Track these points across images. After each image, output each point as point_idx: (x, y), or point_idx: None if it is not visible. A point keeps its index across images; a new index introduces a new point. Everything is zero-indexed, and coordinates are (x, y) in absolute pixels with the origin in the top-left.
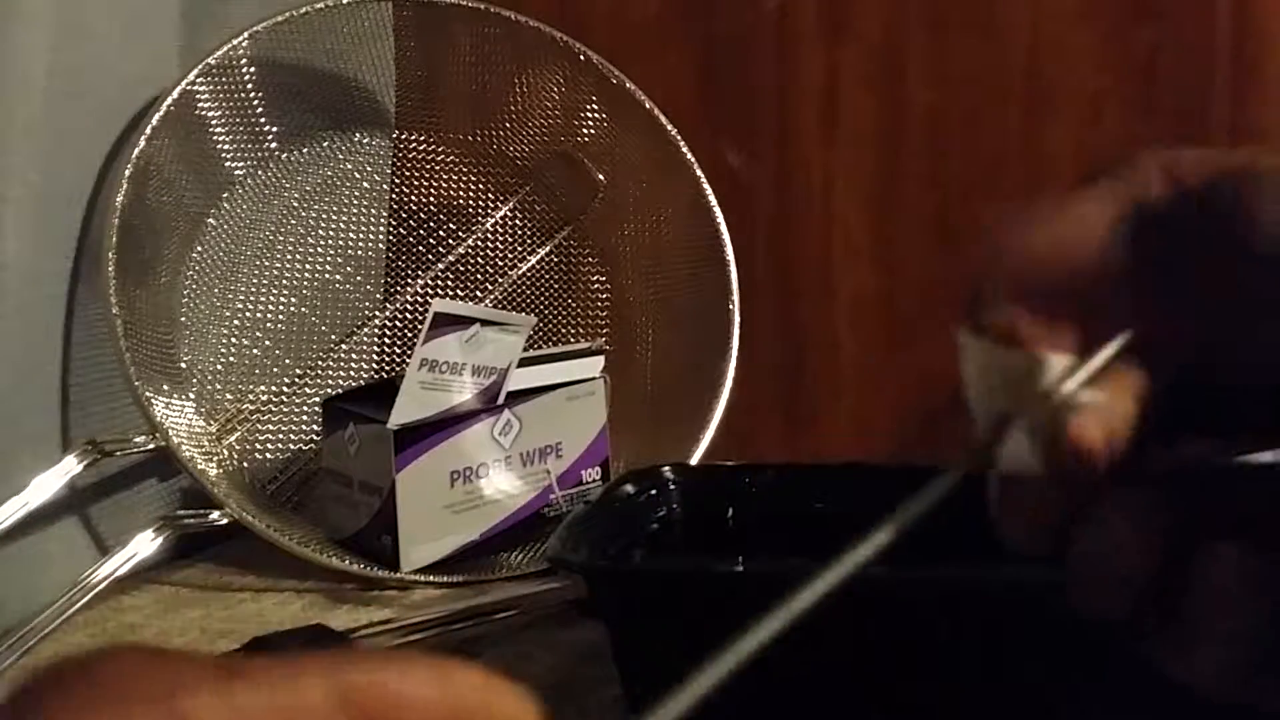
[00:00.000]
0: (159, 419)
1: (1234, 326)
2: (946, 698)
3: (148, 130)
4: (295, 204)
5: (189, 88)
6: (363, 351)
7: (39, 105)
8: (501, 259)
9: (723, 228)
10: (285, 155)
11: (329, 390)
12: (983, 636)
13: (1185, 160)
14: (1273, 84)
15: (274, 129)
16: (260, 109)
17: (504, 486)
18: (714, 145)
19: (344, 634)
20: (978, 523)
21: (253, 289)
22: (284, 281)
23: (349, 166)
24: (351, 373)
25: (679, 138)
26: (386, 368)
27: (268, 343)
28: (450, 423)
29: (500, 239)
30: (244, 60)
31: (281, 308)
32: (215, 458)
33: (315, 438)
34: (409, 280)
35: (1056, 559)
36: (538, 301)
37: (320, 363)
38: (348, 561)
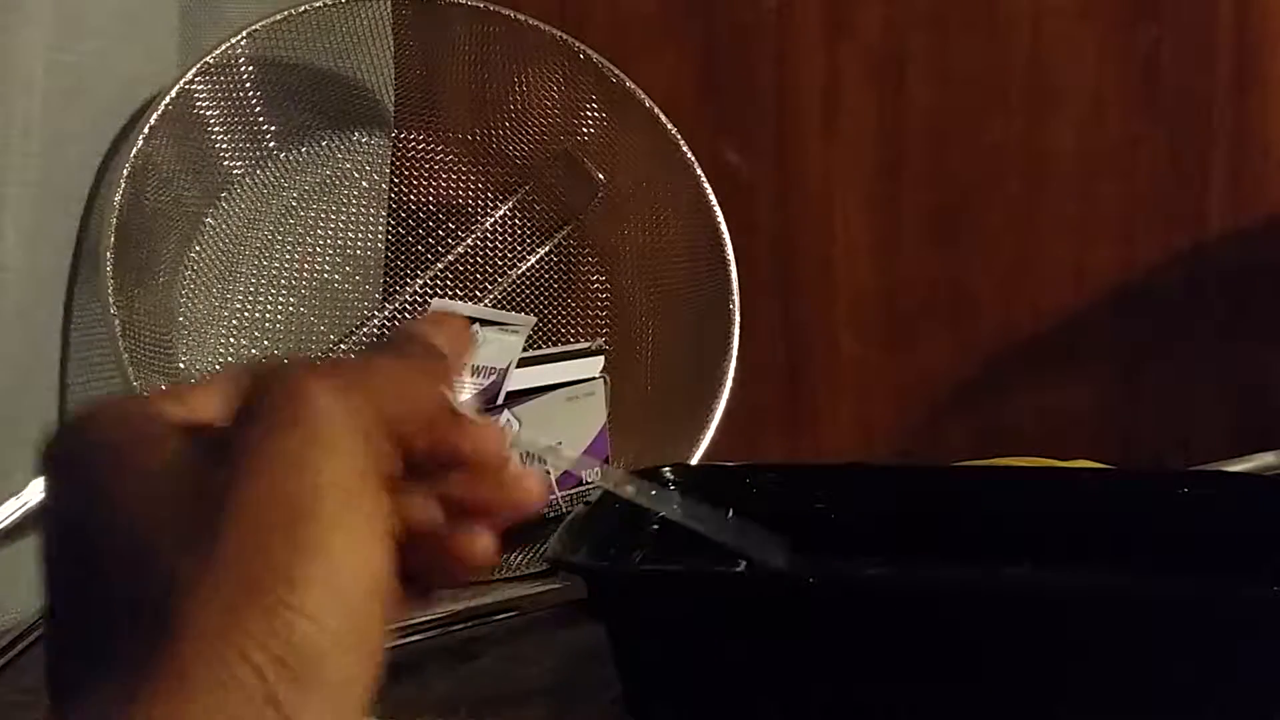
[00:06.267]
0: None
1: None
2: (945, 699)
3: (146, 129)
4: (294, 203)
5: (187, 87)
6: (361, 351)
7: (37, 104)
8: (501, 258)
9: (723, 227)
10: (284, 154)
11: None
12: (982, 637)
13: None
14: (1274, 83)
15: (272, 128)
16: (259, 108)
17: None
18: (714, 145)
19: None
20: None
21: (251, 289)
22: (282, 281)
23: (348, 165)
24: None
25: (679, 137)
26: None
27: (266, 343)
28: None
29: (499, 238)
30: (242, 59)
31: (280, 307)
32: None
33: None
34: (408, 280)
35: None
36: (537, 301)
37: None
38: None
